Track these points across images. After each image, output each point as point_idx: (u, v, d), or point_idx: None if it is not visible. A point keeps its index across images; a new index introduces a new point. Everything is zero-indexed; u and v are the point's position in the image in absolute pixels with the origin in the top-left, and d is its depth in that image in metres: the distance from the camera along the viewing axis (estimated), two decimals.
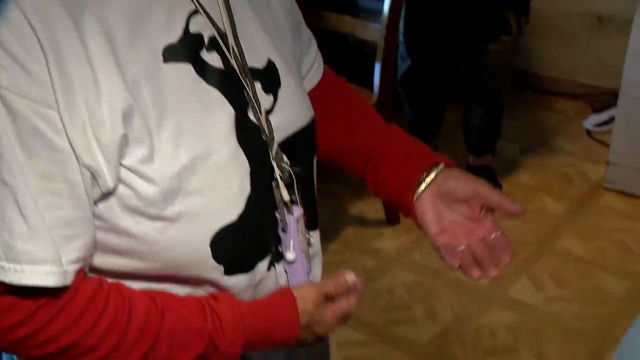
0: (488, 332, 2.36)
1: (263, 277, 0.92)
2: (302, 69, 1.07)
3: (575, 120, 3.58)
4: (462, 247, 0.97)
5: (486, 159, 3.09)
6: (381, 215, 2.89)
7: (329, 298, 0.91)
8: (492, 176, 3.02)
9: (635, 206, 2.97)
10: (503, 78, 2.99)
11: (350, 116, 1.08)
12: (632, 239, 2.79)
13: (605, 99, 3.50)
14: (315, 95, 1.08)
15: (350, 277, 0.93)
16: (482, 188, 0.97)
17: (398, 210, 1.05)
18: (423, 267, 2.66)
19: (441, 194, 0.99)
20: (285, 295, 0.89)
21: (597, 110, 3.53)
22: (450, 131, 3.34)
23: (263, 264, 0.92)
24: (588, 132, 3.48)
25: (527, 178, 3.20)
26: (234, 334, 0.84)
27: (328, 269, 3.18)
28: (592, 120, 3.49)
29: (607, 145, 3.14)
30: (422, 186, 0.99)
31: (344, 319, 0.93)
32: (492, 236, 0.98)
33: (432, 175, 0.99)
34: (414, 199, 1.00)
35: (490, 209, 0.99)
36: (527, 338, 2.32)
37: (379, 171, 1.03)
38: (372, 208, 2.96)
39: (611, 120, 3.17)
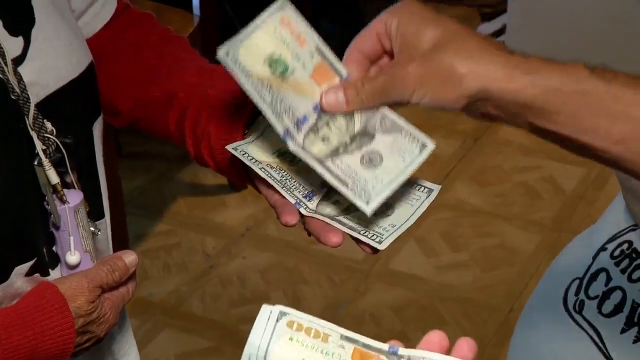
0: (370, 318, 2.43)
1: (24, 287, 0.91)
2: (78, 3, 1.04)
3: None
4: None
5: None
6: (222, 179, 2.89)
7: (104, 288, 0.92)
8: None
9: (539, 137, 3.10)
10: None
11: (159, 58, 1.06)
12: (537, 179, 2.93)
13: (496, 2, 3.62)
14: (106, 38, 1.06)
15: (129, 257, 0.94)
16: None
17: (230, 177, 1.01)
18: (281, 242, 2.69)
19: None
20: (49, 295, 0.88)
21: (487, 17, 3.66)
22: None
23: (22, 269, 0.91)
24: None
25: (405, 111, 3.27)
26: None
27: (154, 256, 3.15)
28: (482, 30, 3.61)
29: None
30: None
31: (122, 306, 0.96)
32: None
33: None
34: None
35: None
36: (419, 319, 2.40)
37: (199, 122, 0.99)
38: (209, 170, 2.94)
39: (504, 29, 3.29)
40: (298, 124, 0.82)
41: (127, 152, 3.02)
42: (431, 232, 2.72)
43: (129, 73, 1.05)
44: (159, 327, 2.44)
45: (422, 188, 0.86)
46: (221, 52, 0.81)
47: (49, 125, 0.91)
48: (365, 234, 0.83)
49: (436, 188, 0.85)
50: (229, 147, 0.89)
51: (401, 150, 0.83)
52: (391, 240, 0.81)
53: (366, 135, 0.84)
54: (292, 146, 0.81)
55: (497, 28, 3.56)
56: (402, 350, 0.68)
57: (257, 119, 0.94)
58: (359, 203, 0.80)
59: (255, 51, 0.82)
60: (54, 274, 0.94)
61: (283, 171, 0.88)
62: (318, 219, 0.87)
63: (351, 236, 0.85)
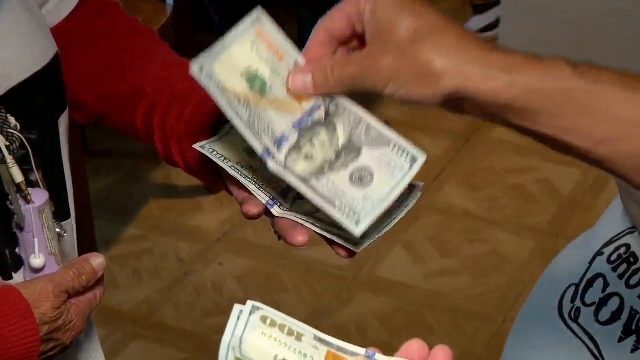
0: (354, 328, 2.44)
1: None
2: None
3: None
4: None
5: None
6: (197, 179, 2.89)
7: (70, 293, 0.92)
8: None
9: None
10: None
11: (126, 50, 1.07)
12: (532, 181, 2.95)
13: None
14: (71, 27, 1.07)
15: (96, 260, 0.94)
16: None
17: (200, 178, 1.03)
18: (260, 247, 2.70)
19: None
20: (12, 300, 0.88)
21: (479, 9, 3.68)
22: None
23: None
24: None
25: (393, 111, 3.29)
26: None
27: (124, 262, 3.14)
28: (474, 24, 3.63)
29: None
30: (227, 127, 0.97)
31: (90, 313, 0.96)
32: None
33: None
34: None
35: None
36: (407, 329, 2.41)
37: (168, 119, 1.00)
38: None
39: (497, 22, 3.31)
40: (278, 142, 0.83)
41: (93, 150, 3.01)
42: (419, 237, 2.73)
43: (94, 65, 1.06)
44: (129, 338, 2.44)
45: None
46: (195, 67, 0.82)
47: (12, 120, 0.91)
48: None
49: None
50: (197, 146, 0.90)
51: (391, 165, 0.82)
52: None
53: (352, 150, 0.84)
54: (271, 165, 0.82)
55: (490, 21, 3.58)
56: (379, 357, 0.69)
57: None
58: (347, 223, 0.80)
59: (232, 67, 0.84)
60: (17, 277, 0.94)
61: (255, 169, 0.89)
62: (286, 219, 0.88)
63: (326, 239, 0.86)
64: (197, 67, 0.82)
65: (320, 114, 0.85)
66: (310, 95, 0.83)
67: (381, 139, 0.83)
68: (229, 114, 0.82)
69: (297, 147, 0.84)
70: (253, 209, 0.89)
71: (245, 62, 0.84)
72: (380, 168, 0.82)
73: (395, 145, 0.82)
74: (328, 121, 0.84)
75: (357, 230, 0.80)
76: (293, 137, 0.84)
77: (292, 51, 0.85)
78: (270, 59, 0.85)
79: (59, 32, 1.05)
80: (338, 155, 0.84)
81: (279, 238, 0.89)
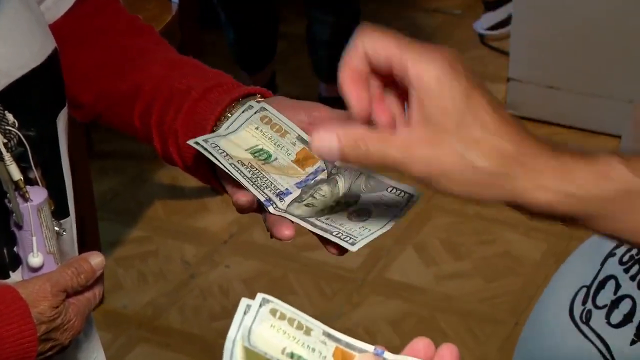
0: (364, 332, 2.44)
1: None
2: None
3: (464, 23, 3.70)
4: None
5: None
6: None
7: (68, 292, 0.92)
8: None
9: (547, 135, 3.12)
10: None
11: (125, 48, 1.08)
12: None
13: None
14: (69, 24, 1.08)
15: (95, 259, 0.94)
16: (319, 113, 0.96)
17: (197, 177, 1.03)
18: (268, 249, 2.70)
19: None
20: (10, 299, 0.88)
21: (490, 6, 3.67)
22: (290, 52, 3.36)
23: None
24: (482, 38, 3.61)
25: None
26: None
27: (128, 264, 3.14)
28: (485, 21, 3.63)
29: (506, 54, 3.28)
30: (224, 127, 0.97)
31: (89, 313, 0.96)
32: None
33: (240, 111, 0.97)
34: None
35: None
36: (418, 333, 2.39)
37: (165, 118, 1.01)
38: None
39: (509, 19, 3.30)
40: (281, 195, 0.90)
41: (99, 151, 3.02)
42: (430, 239, 2.73)
43: (92, 63, 1.07)
44: (134, 341, 2.45)
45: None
46: (199, 139, 0.90)
47: (10, 117, 0.92)
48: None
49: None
50: (199, 140, 0.91)
51: (388, 204, 0.88)
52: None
53: (351, 197, 0.90)
54: (272, 210, 0.89)
55: (501, 18, 3.57)
56: (388, 354, 0.69)
57: (232, 114, 0.96)
58: (343, 244, 0.85)
59: (238, 144, 0.92)
60: (15, 276, 0.95)
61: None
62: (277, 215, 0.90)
63: (319, 237, 0.89)
64: (201, 139, 0.89)
65: (323, 175, 0.92)
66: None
67: (379, 186, 0.90)
68: (232, 171, 0.88)
69: (299, 199, 0.90)
70: (242, 197, 0.90)
71: (251, 142, 0.92)
72: (377, 207, 0.88)
73: (392, 189, 0.89)
74: (330, 179, 0.92)
75: (353, 248, 0.85)
76: (296, 192, 0.91)
77: (295, 127, 0.93)
78: (274, 137, 0.93)
79: (57, 29, 1.06)
80: (338, 202, 0.90)
81: (271, 236, 0.91)
